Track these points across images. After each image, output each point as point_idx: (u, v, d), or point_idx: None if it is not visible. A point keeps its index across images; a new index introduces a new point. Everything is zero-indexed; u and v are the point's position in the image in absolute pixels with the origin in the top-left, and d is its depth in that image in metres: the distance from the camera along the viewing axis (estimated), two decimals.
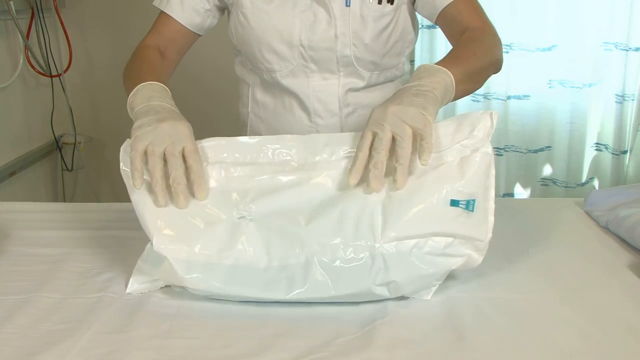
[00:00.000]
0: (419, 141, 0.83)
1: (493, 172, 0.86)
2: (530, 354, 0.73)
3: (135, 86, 0.99)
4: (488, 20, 1.12)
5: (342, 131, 1.23)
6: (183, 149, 0.87)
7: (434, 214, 0.83)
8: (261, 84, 1.26)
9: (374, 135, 0.85)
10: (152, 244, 0.84)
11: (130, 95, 0.98)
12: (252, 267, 0.83)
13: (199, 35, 1.23)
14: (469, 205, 0.83)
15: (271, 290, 0.82)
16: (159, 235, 0.84)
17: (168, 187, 0.86)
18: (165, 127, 0.87)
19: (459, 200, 0.83)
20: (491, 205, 0.86)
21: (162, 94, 0.98)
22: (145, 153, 0.86)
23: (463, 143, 0.87)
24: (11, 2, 2.00)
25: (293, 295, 0.82)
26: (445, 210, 0.83)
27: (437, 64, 0.95)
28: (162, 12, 1.20)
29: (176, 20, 1.18)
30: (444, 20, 1.15)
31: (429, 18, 1.18)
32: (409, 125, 0.83)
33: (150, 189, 0.86)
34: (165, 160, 0.86)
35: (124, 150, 0.89)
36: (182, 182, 0.85)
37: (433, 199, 0.83)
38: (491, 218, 0.86)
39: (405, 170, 0.82)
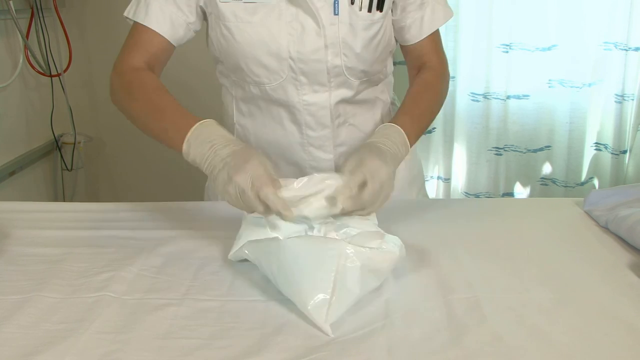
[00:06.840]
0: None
1: None
2: (530, 354, 0.73)
3: (182, 123, 1.00)
4: (444, 57, 1.26)
5: (334, 142, 1.23)
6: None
7: None
8: (247, 96, 1.22)
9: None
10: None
11: (191, 138, 0.98)
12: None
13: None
14: None
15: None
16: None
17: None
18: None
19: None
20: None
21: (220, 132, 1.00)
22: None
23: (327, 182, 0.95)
24: (11, 2, 2.00)
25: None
26: None
27: (398, 120, 1.09)
28: (138, 24, 1.13)
29: (158, 34, 1.12)
30: (408, 50, 1.25)
31: (397, 39, 1.24)
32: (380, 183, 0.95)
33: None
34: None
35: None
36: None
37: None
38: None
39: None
